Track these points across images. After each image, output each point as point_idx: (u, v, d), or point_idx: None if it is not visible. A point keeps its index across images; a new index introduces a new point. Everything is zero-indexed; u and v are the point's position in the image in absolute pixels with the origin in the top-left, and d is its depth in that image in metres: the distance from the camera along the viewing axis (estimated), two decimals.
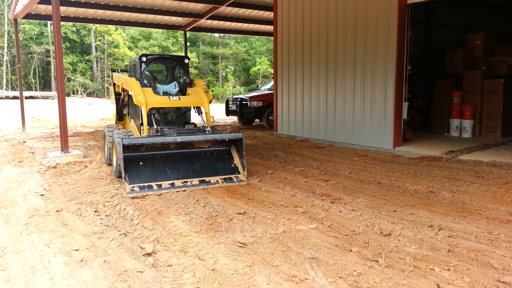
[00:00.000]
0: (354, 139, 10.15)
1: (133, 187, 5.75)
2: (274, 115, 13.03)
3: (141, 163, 5.95)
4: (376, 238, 4.23)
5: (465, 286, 3.18)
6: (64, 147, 8.84)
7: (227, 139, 6.44)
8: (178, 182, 6.06)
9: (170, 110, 7.17)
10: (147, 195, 5.74)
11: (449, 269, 3.46)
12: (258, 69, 41.06)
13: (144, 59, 6.71)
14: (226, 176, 6.39)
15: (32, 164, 8.14)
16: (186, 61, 7.13)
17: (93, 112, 23.06)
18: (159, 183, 5.91)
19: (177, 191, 5.93)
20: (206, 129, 6.71)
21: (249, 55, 45.58)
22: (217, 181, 6.31)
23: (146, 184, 5.84)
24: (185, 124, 7.19)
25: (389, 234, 4.29)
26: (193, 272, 3.47)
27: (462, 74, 11.61)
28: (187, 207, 5.27)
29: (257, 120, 16.23)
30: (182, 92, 7.00)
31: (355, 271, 3.48)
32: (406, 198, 5.68)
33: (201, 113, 7.14)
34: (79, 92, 40.63)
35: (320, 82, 11.20)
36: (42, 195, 5.78)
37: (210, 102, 6.78)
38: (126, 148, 5.65)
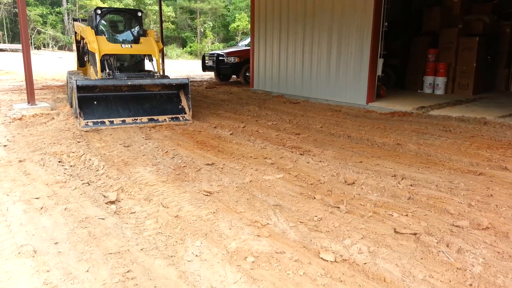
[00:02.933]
0: (328, 94, 10.14)
1: (87, 122, 6.59)
2: (250, 71, 12.82)
3: (95, 102, 6.76)
4: (340, 186, 4.31)
5: (421, 230, 3.29)
6: (31, 99, 8.50)
7: (175, 84, 7.32)
8: (129, 120, 6.88)
9: (125, 58, 7.90)
10: (101, 129, 6.61)
11: (407, 215, 3.57)
12: (238, 26, 40.02)
13: (98, 11, 7.51)
14: (174, 116, 7.26)
15: None
16: (139, 14, 7.93)
17: (64, 66, 22.15)
18: (111, 119, 6.74)
19: (129, 126, 5.88)
20: (155, 74, 7.60)
21: (229, 11, 44.18)
22: (164, 119, 7.17)
23: (99, 120, 6.67)
24: (140, 71, 7.96)
25: (353, 183, 4.37)
26: (156, 218, 3.47)
27: (439, 32, 11.57)
28: (155, 159, 5.22)
29: (234, 76, 15.99)
30: (136, 41, 7.73)
31: (316, 216, 3.54)
32: (374, 150, 5.77)
33: (152, 60, 7.86)
34: (50, 46, 38.88)
35: (297, 38, 10.98)
36: (5, 145, 5.60)
37: (160, 51, 7.62)
38: (80, 88, 6.44)
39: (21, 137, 6.07)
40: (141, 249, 2.92)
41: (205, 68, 15.62)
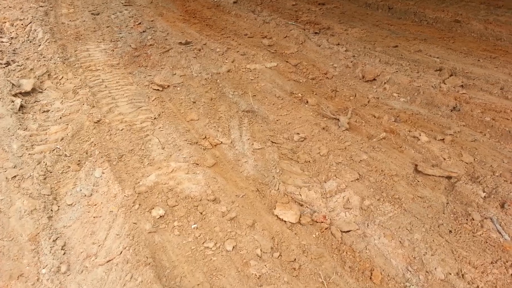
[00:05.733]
0: None
1: None
2: None
3: None
4: (352, 84, 2.97)
5: (461, 171, 2.03)
6: None
7: None
8: None
9: None
10: None
11: (443, 139, 2.27)
12: None
13: None
14: None
15: None
16: None
17: None
18: None
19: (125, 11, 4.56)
20: None
21: None
22: None
23: None
24: None
25: (374, 79, 3.00)
26: (67, 124, 2.43)
27: None
28: (120, 32, 3.98)
29: None
30: None
31: (298, 134, 2.35)
32: (420, 29, 4.13)
33: None
34: None
35: None
36: None
37: None
38: None
39: None
40: (9, 178, 1.94)
41: None
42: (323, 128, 2.39)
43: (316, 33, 4.03)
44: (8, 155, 2.13)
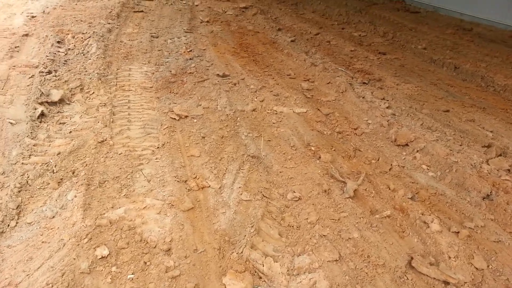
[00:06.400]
0: (467, 5, 7.30)
1: None
2: None
3: None
4: (380, 146, 2.67)
5: (461, 279, 1.66)
6: None
7: None
8: None
9: None
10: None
11: (457, 233, 1.89)
12: None
13: None
14: None
15: None
16: None
17: None
18: None
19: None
20: None
21: None
22: None
23: None
24: None
25: (406, 144, 2.67)
26: (72, 139, 2.45)
27: None
28: (168, 56, 4.09)
29: None
30: None
31: (293, 192, 2.12)
32: (483, 95, 3.68)
33: None
34: None
35: None
36: (33, 17, 5.03)
37: None
38: None
39: (60, 10, 5.43)
40: None
41: None
42: (325, 191, 2.14)
43: (364, 83, 3.78)
44: (4, 160, 2.18)
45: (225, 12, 6.31)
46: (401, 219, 1.96)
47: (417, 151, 2.59)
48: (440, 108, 3.29)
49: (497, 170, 2.38)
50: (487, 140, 2.77)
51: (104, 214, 1.84)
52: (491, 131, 2.93)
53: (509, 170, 2.39)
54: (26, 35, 4.31)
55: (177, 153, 2.41)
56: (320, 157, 2.45)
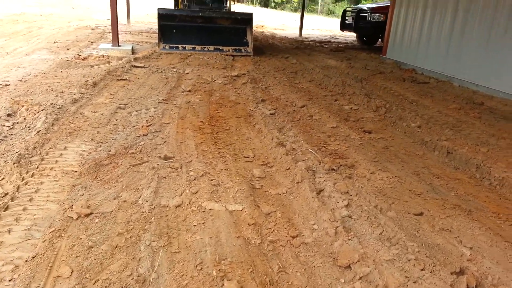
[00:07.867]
0: (483, 75, 6.73)
1: (165, 46, 8.22)
2: (385, 34, 9.89)
3: (174, 30, 8.20)
4: (316, 265, 2.07)
5: None
6: (113, 39, 8.03)
7: (239, 17, 8.45)
8: (198, 47, 8.25)
9: None
10: (174, 53, 8.07)
11: None
12: None
13: None
14: (237, 47, 8.40)
15: (72, 52, 7.52)
16: None
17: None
18: (184, 45, 8.23)
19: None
20: (225, 8, 9.81)
21: None
22: (228, 50, 8.34)
23: (174, 45, 8.23)
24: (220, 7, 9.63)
25: (348, 266, 2.05)
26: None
27: None
28: (119, 132, 3.75)
29: (381, 39, 12.97)
30: None
31: None
32: (474, 191, 3.02)
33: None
34: None
35: None
36: (6, 85, 4.93)
37: None
38: (161, 17, 8.03)
39: (39, 78, 5.36)
40: None
41: (343, 26, 12.93)
42: None
43: (332, 169, 3.24)
44: None
45: (214, 80, 6.08)
46: None
47: (360, 277, 1.97)
48: (412, 210, 2.66)
49: None
50: (460, 263, 2.10)
51: None
52: (469, 247, 2.27)
53: None
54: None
55: (44, 271, 1.91)
56: (223, 286, 1.88)
